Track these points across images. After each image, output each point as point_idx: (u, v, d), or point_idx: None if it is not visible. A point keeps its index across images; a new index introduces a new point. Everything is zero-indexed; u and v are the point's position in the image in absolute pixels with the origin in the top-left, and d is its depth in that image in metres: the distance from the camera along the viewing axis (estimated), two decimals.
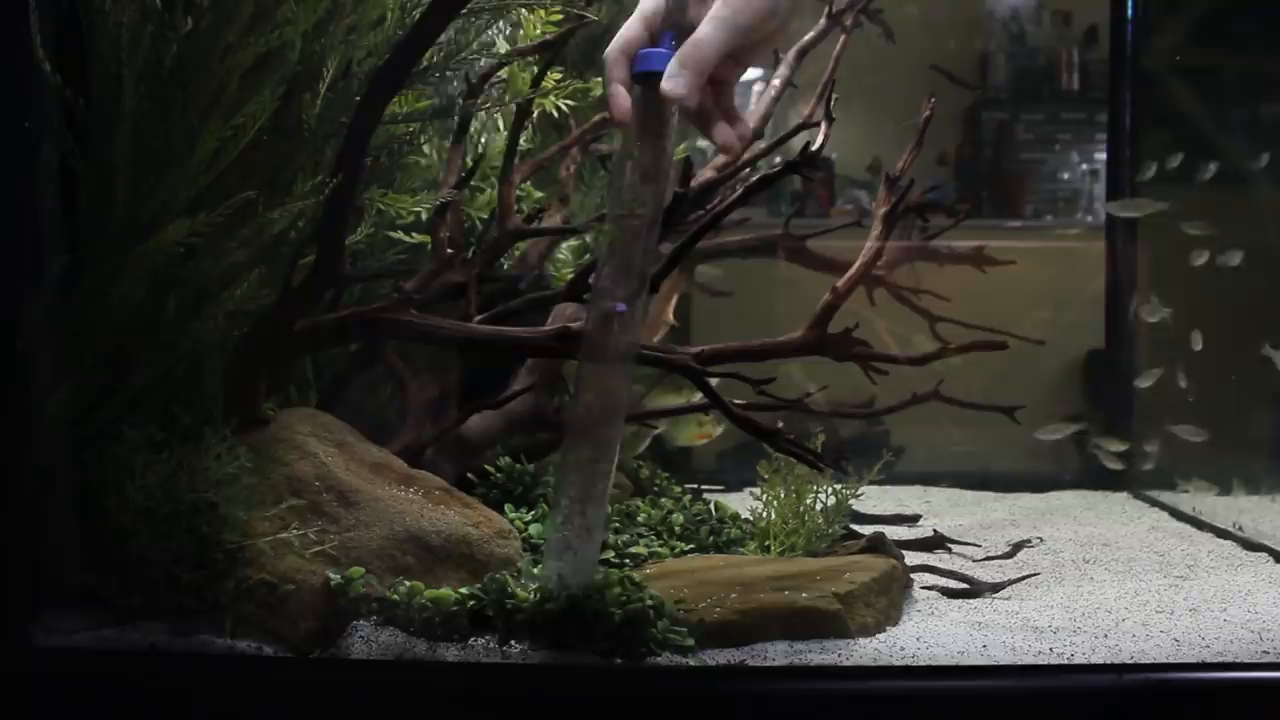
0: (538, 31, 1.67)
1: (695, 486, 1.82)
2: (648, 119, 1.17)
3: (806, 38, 1.75)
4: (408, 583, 1.23)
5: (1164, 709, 1.17)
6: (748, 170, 1.63)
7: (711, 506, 1.66)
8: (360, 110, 1.29)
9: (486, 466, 1.60)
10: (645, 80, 1.16)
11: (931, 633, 1.30)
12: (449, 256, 1.53)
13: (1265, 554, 1.75)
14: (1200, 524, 1.96)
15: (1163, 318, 2.18)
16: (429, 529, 1.30)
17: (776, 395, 1.47)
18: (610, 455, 1.20)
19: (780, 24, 1.17)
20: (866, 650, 1.24)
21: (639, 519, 1.58)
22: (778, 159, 1.45)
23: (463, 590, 1.23)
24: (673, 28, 1.16)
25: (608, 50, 1.18)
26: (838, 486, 1.57)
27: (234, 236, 1.33)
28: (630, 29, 1.18)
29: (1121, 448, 2.27)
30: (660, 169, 1.18)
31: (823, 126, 1.59)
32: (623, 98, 1.17)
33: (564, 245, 1.90)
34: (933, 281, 1.92)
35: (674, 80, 1.12)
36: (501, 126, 1.81)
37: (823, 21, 1.77)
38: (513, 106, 1.65)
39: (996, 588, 1.51)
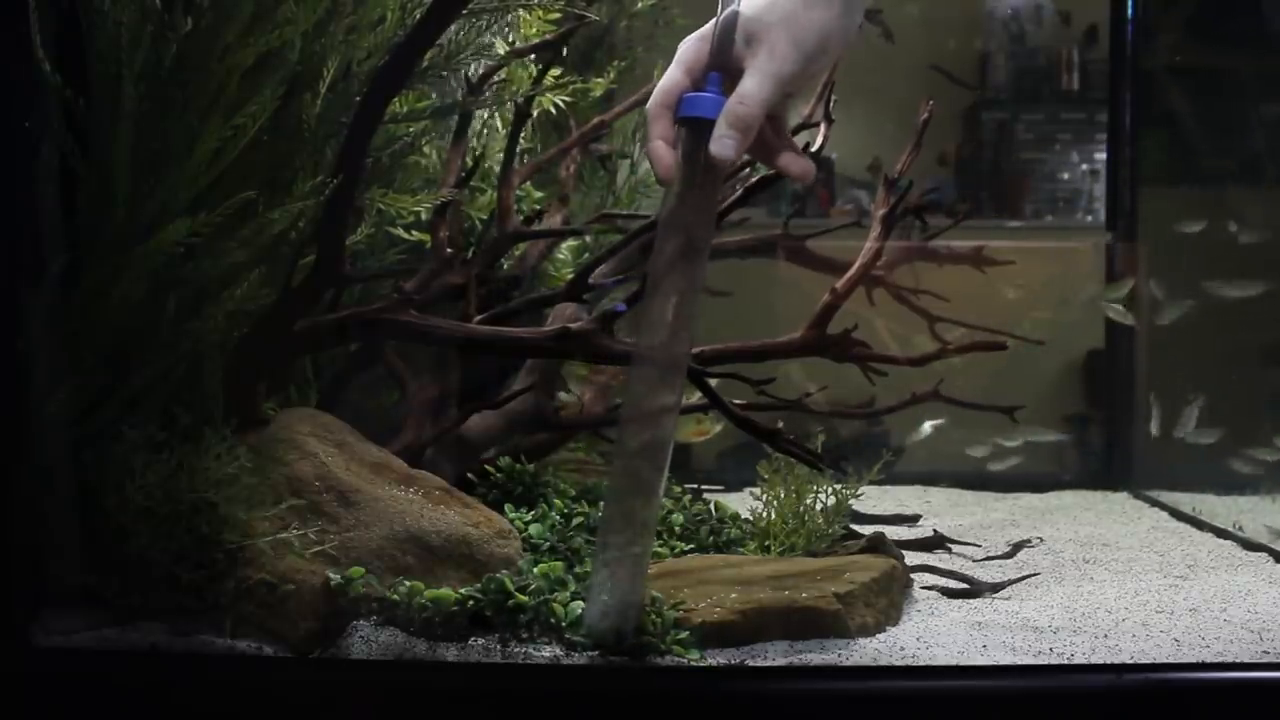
0: (534, 31, 1.67)
1: (695, 486, 1.82)
2: (692, 167, 1.11)
3: None
4: (408, 583, 1.23)
5: (1164, 709, 1.17)
6: (748, 170, 1.63)
7: (711, 506, 1.66)
8: (360, 110, 1.29)
9: (486, 466, 1.60)
10: (690, 125, 1.11)
11: (931, 633, 1.30)
12: (449, 257, 1.53)
13: (1265, 554, 1.75)
14: (1200, 524, 1.96)
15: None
16: (429, 529, 1.30)
17: (776, 395, 1.47)
18: (656, 488, 1.15)
19: (831, 60, 1.13)
20: (866, 650, 1.24)
21: None
22: None
23: (463, 590, 1.23)
24: (718, 69, 1.11)
25: (648, 103, 1.12)
26: (838, 486, 1.57)
27: (234, 236, 1.33)
28: (670, 78, 1.13)
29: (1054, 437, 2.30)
30: (703, 219, 1.13)
31: (822, 127, 1.59)
32: (665, 156, 1.11)
33: (564, 245, 1.90)
34: (932, 282, 1.92)
35: (722, 143, 1.08)
36: (501, 127, 1.81)
37: None
38: (512, 107, 1.65)
39: (996, 588, 1.51)
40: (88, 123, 1.29)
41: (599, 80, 1.84)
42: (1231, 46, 2.27)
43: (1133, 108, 2.43)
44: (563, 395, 1.83)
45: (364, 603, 1.23)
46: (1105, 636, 1.29)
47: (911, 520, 1.97)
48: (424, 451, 1.54)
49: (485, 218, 1.72)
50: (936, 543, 1.78)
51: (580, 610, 1.20)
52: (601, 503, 1.53)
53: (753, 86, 1.09)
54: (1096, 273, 2.44)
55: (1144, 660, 1.22)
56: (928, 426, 2.18)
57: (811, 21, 1.10)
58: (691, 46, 1.13)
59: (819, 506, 1.57)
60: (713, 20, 1.12)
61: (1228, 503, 2.00)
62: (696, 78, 1.12)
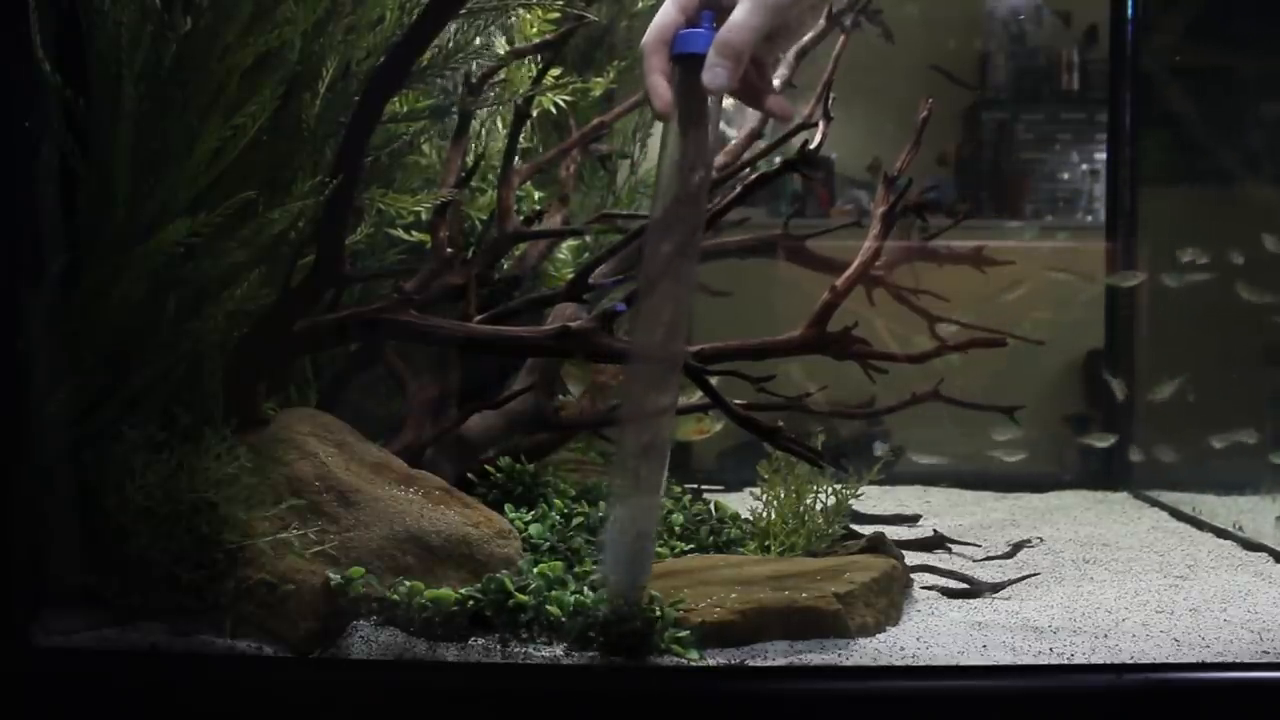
0: (534, 30, 1.67)
1: (695, 486, 1.82)
2: (688, 104, 1.14)
3: (806, 38, 1.75)
4: (408, 583, 1.23)
5: (1164, 709, 1.17)
6: (747, 170, 1.63)
7: (711, 506, 1.66)
8: (359, 110, 1.29)
9: (486, 466, 1.60)
10: (684, 62, 1.13)
11: (931, 633, 1.30)
12: (449, 257, 1.53)
13: (1265, 554, 1.75)
14: (1200, 524, 1.96)
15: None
16: (429, 529, 1.30)
17: (776, 394, 1.47)
18: (659, 475, 1.16)
19: (814, 2, 1.15)
20: (866, 650, 1.24)
21: None
22: (777, 159, 1.45)
23: (463, 590, 1.23)
24: (710, 7, 1.14)
25: (644, 39, 1.15)
26: (838, 486, 1.57)
27: (234, 236, 1.33)
28: (665, 14, 1.15)
29: (1107, 442, 2.29)
30: (702, 156, 1.16)
31: (821, 126, 1.59)
32: (663, 89, 1.14)
33: (564, 245, 1.90)
34: (932, 281, 1.92)
35: (713, 71, 1.11)
36: (501, 127, 1.81)
37: (822, 22, 1.77)
38: (512, 106, 1.65)
39: (996, 588, 1.51)
40: (88, 123, 1.29)
41: (599, 80, 1.84)
42: (1231, 46, 2.27)
43: (1133, 108, 2.43)
44: (565, 396, 1.83)
45: (364, 603, 1.23)
46: (1105, 636, 1.29)
47: (911, 520, 1.97)
48: (424, 451, 1.54)
49: (485, 218, 1.72)
50: (936, 543, 1.78)
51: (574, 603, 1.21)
52: (602, 503, 1.53)
53: (742, 15, 1.11)
54: (1097, 272, 2.44)
55: (1144, 660, 1.22)
56: (879, 446, 2.20)
57: None
58: None
59: (819, 506, 1.57)
60: None
61: (1228, 503, 2.00)
62: (690, 15, 1.15)
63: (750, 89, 1.19)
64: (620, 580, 1.18)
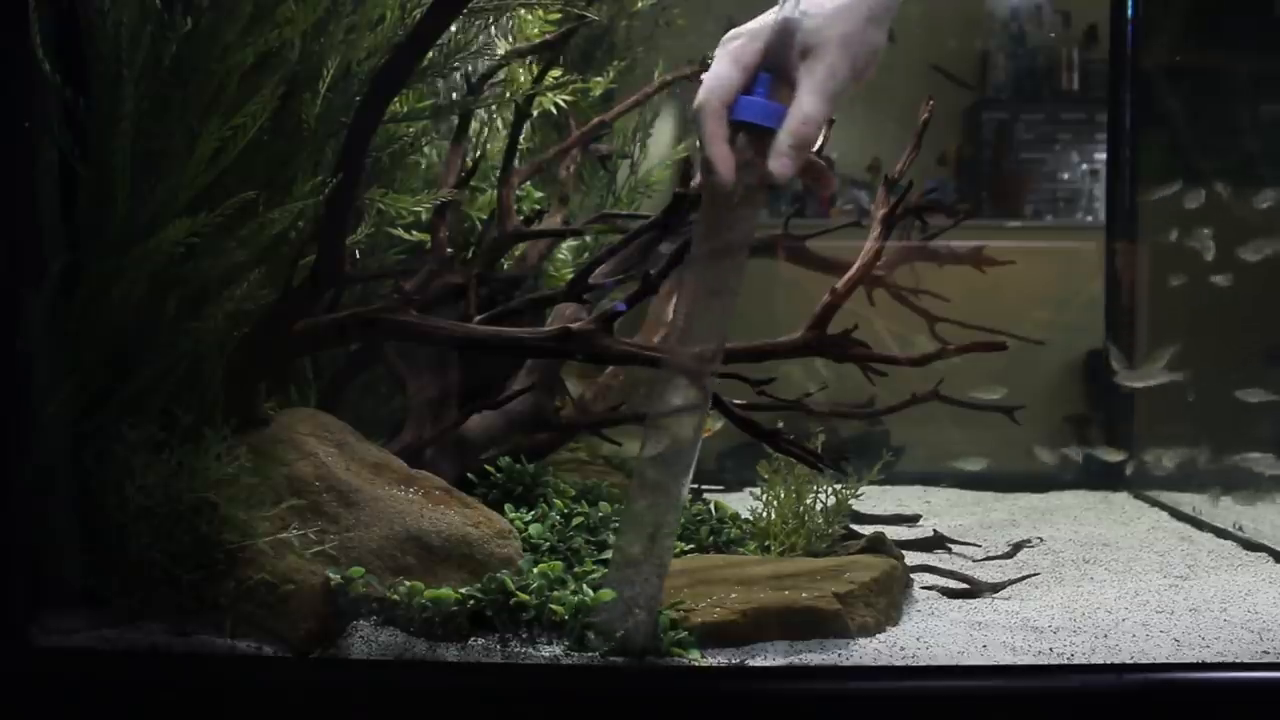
0: (535, 31, 1.67)
1: (695, 486, 1.82)
2: (743, 170, 1.09)
3: None
4: (408, 583, 1.23)
5: (1164, 709, 1.17)
6: None
7: (711, 506, 1.66)
8: (361, 110, 1.29)
9: (486, 466, 1.60)
10: (742, 129, 1.09)
11: (931, 633, 1.30)
12: (449, 257, 1.53)
13: (1265, 554, 1.75)
14: (1200, 524, 1.96)
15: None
16: (429, 529, 1.30)
17: (776, 395, 1.47)
18: (678, 500, 1.15)
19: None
20: (866, 650, 1.24)
21: None
22: None
23: (463, 590, 1.23)
24: (770, 69, 1.09)
25: (703, 99, 1.09)
26: (838, 486, 1.57)
27: (234, 236, 1.33)
28: (724, 75, 1.10)
29: (1119, 457, 2.29)
30: (744, 229, 1.12)
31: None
32: (729, 159, 1.08)
33: (564, 245, 1.90)
34: (932, 282, 1.92)
35: (783, 161, 1.07)
36: (501, 127, 1.81)
37: None
38: (512, 106, 1.65)
39: (996, 588, 1.51)
40: (88, 123, 1.29)
41: (599, 80, 1.84)
42: (1231, 47, 2.27)
43: (1133, 108, 2.43)
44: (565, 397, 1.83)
45: (364, 603, 1.23)
46: (1105, 636, 1.29)
47: (911, 520, 1.97)
48: (424, 451, 1.54)
49: (485, 218, 1.72)
50: (936, 543, 1.78)
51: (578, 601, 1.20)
52: (602, 502, 1.53)
53: (815, 107, 1.08)
54: (1097, 272, 2.44)
55: (1144, 660, 1.22)
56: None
57: (869, 42, 1.09)
58: (745, 44, 1.11)
59: (819, 506, 1.57)
60: (762, 17, 1.11)
61: (1227, 503, 2.00)
62: (750, 76, 1.11)
63: (807, 168, 1.16)
64: (634, 609, 1.16)
